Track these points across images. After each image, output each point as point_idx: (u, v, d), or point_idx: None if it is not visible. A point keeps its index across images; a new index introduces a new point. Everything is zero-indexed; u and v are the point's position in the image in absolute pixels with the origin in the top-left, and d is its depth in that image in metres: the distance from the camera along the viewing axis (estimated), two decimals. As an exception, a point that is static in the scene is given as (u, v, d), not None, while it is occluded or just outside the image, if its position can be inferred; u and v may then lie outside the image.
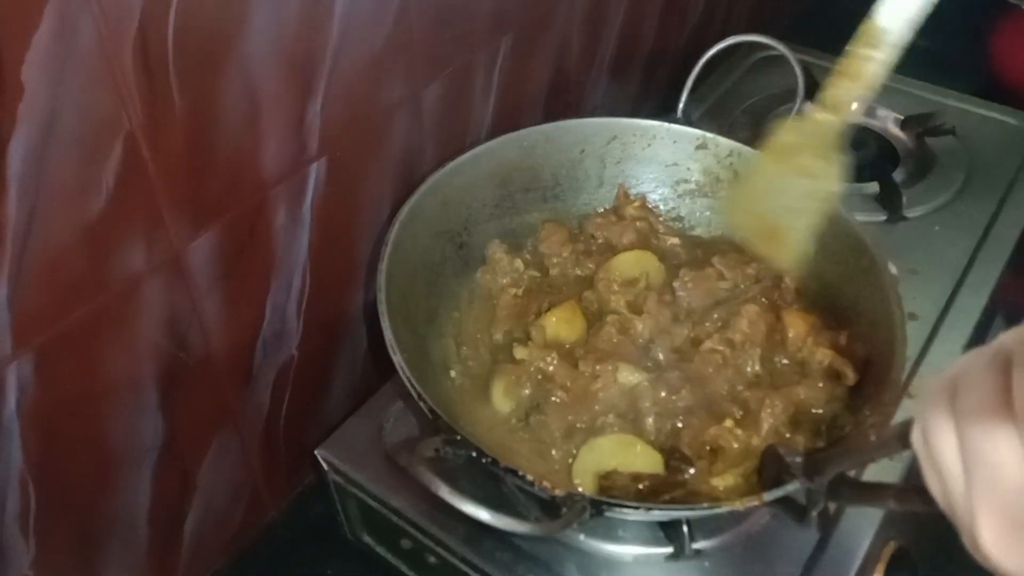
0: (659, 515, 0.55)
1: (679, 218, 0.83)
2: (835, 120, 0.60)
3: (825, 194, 0.60)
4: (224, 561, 0.74)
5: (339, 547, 0.75)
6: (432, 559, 0.66)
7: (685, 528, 0.61)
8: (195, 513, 0.68)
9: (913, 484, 0.37)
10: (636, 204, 0.80)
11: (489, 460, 0.53)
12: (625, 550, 0.64)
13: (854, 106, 0.60)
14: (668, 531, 0.63)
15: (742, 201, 0.67)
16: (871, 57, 0.57)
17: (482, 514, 0.48)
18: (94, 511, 0.59)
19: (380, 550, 0.73)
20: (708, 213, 0.82)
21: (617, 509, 0.53)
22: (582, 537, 0.64)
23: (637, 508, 0.54)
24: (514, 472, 0.52)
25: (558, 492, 0.52)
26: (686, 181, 0.82)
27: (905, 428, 0.37)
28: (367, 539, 0.74)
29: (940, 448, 0.32)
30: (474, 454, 0.53)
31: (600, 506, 0.52)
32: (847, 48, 0.60)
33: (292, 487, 0.79)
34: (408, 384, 0.56)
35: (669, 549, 0.63)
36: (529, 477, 0.52)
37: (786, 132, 0.61)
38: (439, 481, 0.48)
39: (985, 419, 0.30)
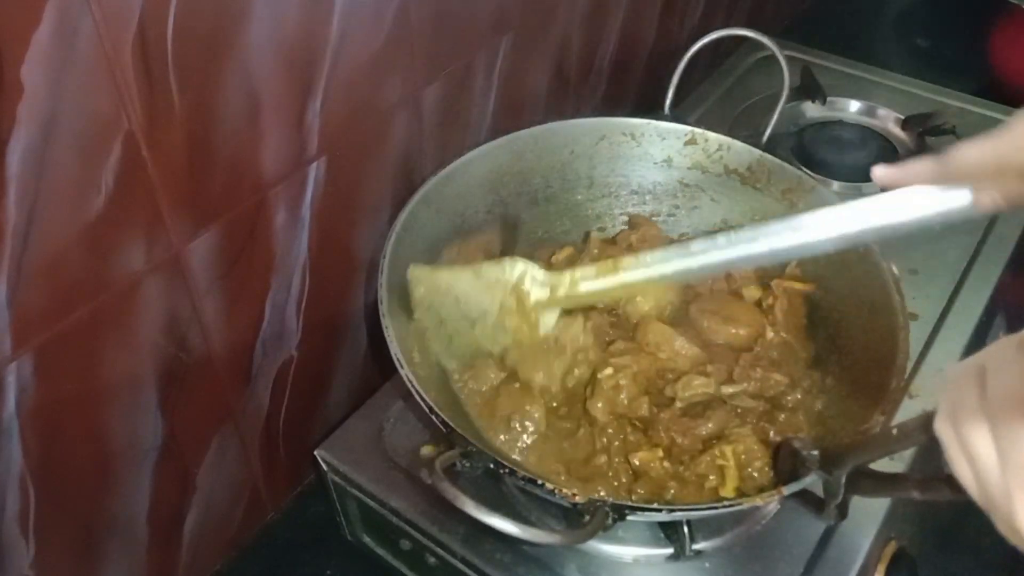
0: (680, 516, 0.54)
1: (672, 214, 0.83)
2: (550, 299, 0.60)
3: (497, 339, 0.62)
4: (224, 561, 0.74)
5: (339, 547, 0.75)
6: (432, 560, 0.66)
7: (685, 529, 0.61)
8: (195, 513, 0.68)
9: (945, 473, 0.36)
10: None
11: (507, 471, 0.52)
12: (625, 551, 0.64)
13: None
14: (668, 532, 0.63)
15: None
16: (619, 278, 0.57)
17: (510, 528, 0.48)
18: (94, 511, 0.59)
19: (380, 551, 0.73)
20: (700, 209, 0.82)
21: (640, 513, 0.53)
22: (582, 537, 0.64)
23: (660, 511, 0.53)
24: (533, 481, 0.52)
25: (579, 500, 0.51)
26: (677, 178, 0.82)
27: (928, 418, 0.37)
28: (367, 539, 0.74)
29: (972, 434, 0.32)
30: (491, 465, 0.53)
31: (623, 510, 0.51)
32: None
33: (292, 487, 0.79)
34: (419, 399, 0.56)
35: (669, 550, 0.63)
36: (548, 486, 0.51)
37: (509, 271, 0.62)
38: (464, 497, 0.48)
39: (1018, 403, 0.30)
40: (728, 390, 0.65)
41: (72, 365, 0.52)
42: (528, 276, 0.61)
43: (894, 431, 0.43)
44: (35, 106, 0.43)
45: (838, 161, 1.02)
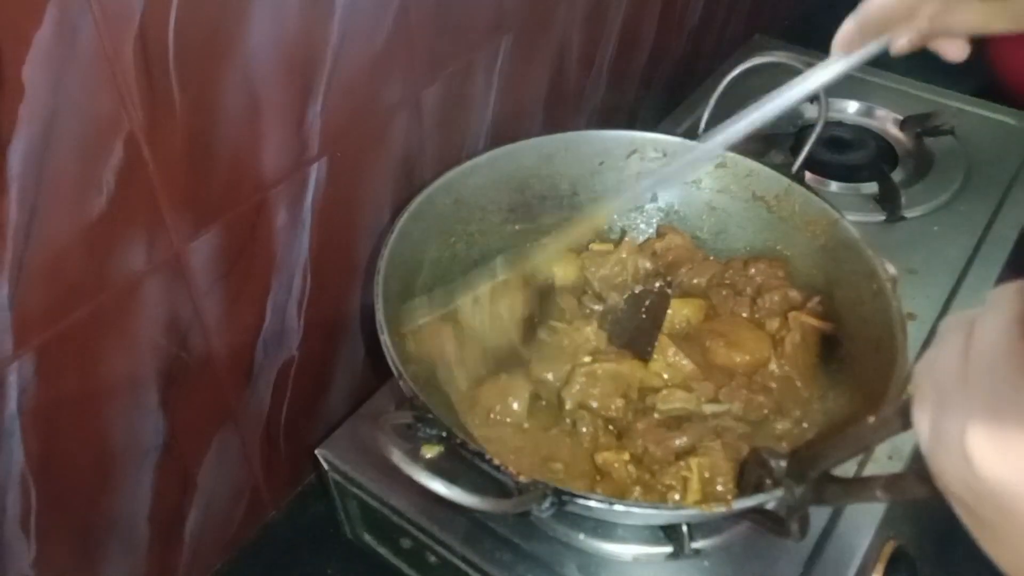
0: (621, 511, 0.54)
1: (696, 237, 0.82)
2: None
3: None
4: (224, 561, 0.74)
5: (339, 547, 0.75)
6: (432, 558, 0.66)
7: (685, 527, 0.62)
8: (195, 513, 0.68)
9: (915, 469, 0.35)
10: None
11: (458, 441, 0.53)
12: (625, 549, 0.64)
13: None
14: (668, 530, 0.63)
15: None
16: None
17: (435, 485, 0.48)
18: (94, 511, 0.59)
19: (380, 550, 0.73)
20: (725, 234, 0.81)
21: (579, 501, 0.52)
22: (582, 537, 0.64)
23: (602, 503, 0.53)
24: (480, 455, 0.52)
25: (522, 479, 0.52)
26: (705, 200, 0.81)
27: (908, 403, 0.35)
28: (367, 539, 0.74)
29: (945, 371, 0.31)
30: (444, 434, 0.53)
31: (561, 495, 0.51)
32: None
33: (292, 487, 0.79)
34: (390, 360, 0.56)
35: (669, 548, 0.63)
36: (495, 461, 0.52)
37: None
38: (393, 447, 0.48)
39: (1005, 338, 0.29)
40: (711, 408, 0.65)
41: (73, 365, 0.52)
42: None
43: (871, 420, 0.41)
44: (36, 106, 0.43)
45: (837, 161, 1.02)
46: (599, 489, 0.60)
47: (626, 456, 0.61)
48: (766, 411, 0.65)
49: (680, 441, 0.62)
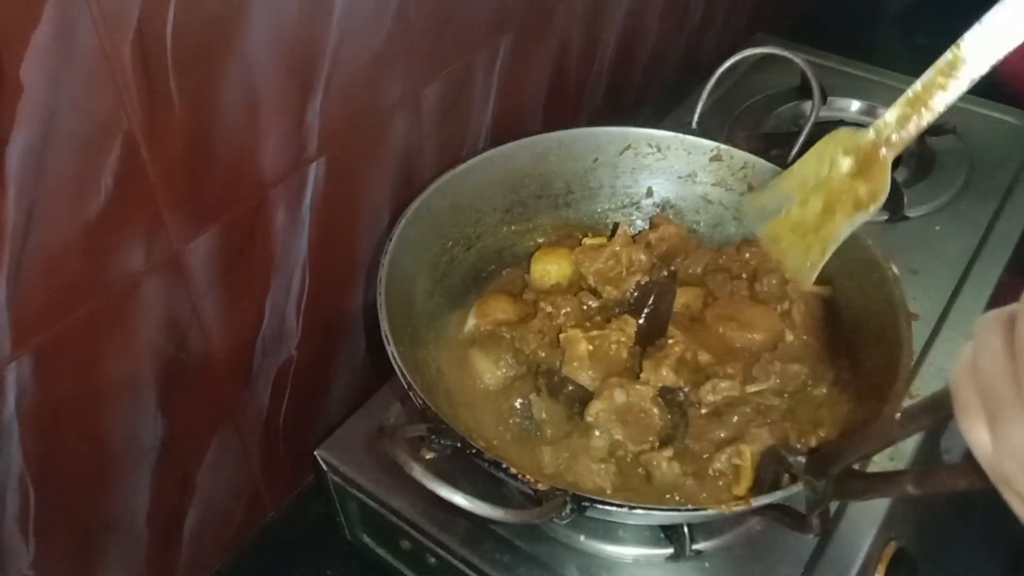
0: (641, 514, 0.54)
1: (693, 230, 0.81)
2: (888, 150, 0.61)
3: (851, 216, 0.63)
4: (224, 561, 0.74)
5: (339, 547, 0.75)
6: (432, 560, 0.66)
7: (685, 529, 0.61)
8: (194, 513, 0.68)
9: (967, 462, 0.33)
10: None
11: (473, 451, 0.52)
12: (625, 551, 0.64)
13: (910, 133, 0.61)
14: (668, 532, 0.63)
15: (766, 204, 0.70)
16: (943, 86, 0.59)
17: (457, 498, 0.47)
18: (94, 511, 0.59)
19: (380, 551, 0.73)
20: (722, 226, 0.81)
21: (600, 507, 0.52)
22: (582, 538, 0.64)
23: (622, 507, 0.53)
24: (498, 464, 0.52)
25: (540, 487, 0.51)
26: (700, 194, 0.81)
27: (936, 398, 0.34)
28: (367, 539, 0.74)
29: (994, 375, 0.30)
30: (459, 444, 0.52)
31: (581, 502, 0.51)
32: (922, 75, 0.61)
33: (292, 487, 0.79)
34: (399, 373, 0.56)
35: (669, 550, 0.63)
36: (512, 470, 0.51)
37: (833, 143, 0.64)
38: (413, 462, 0.47)
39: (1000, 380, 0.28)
40: (752, 388, 0.65)
41: (71, 365, 0.52)
42: (835, 157, 0.63)
43: (898, 416, 0.40)
44: (34, 106, 0.43)
45: (838, 161, 1.02)
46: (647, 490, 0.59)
47: (669, 453, 0.60)
48: (803, 376, 0.65)
49: (724, 432, 0.61)
